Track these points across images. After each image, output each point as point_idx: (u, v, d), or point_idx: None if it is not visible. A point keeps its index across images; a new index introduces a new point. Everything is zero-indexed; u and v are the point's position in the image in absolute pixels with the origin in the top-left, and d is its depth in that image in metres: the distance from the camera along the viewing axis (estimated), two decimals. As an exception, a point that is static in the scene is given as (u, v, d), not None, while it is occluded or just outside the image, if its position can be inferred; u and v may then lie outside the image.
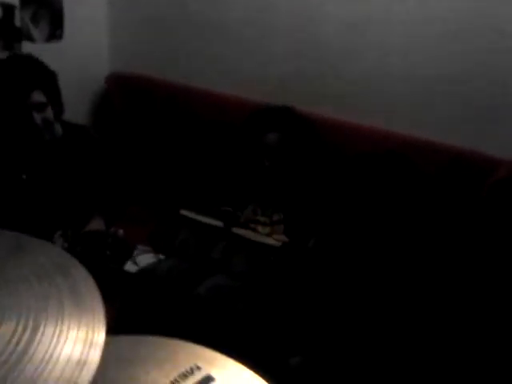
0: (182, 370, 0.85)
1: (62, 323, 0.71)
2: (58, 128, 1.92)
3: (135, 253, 1.98)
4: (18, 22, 2.16)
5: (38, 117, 1.81)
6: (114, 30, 2.59)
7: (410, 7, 1.96)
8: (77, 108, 2.46)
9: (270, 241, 1.88)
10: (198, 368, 0.86)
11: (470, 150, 1.85)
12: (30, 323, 0.70)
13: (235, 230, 1.91)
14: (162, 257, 2.00)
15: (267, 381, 0.88)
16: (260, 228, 2.01)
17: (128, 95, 2.49)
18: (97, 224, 1.94)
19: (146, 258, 1.99)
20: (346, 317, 1.62)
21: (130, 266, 1.93)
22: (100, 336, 0.73)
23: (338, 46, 2.12)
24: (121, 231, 1.94)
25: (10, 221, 1.76)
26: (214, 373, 0.86)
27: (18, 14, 2.15)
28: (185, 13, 2.40)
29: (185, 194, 2.21)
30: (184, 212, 1.98)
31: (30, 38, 2.21)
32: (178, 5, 2.40)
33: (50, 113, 1.85)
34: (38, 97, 1.80)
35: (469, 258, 1.72)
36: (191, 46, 2.42)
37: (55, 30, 2.31)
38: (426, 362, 1.56)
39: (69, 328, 0.71)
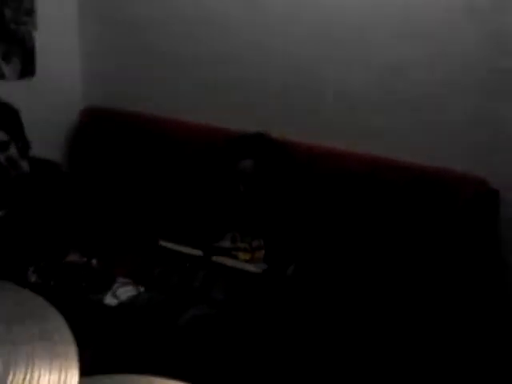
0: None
1: (32, 368, 0.70)
2: (25, 164, 1.92)
3: (115, 285, 1.96)
4: (-11, 62, 2.17)
5: (1, 156, 1.82)
6: (87, 65, 2.61)
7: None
8: (51, 143, 2.47)
9: (251, 267, 1.88)
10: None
11: (434, 166, 1.88)
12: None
13: (215, 258, 1.90)
14: (142, 289, 1.99)
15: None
16: (241, 255, 2.01)
17: (102, 128, 2.50)
18: (73, 258, 1.93)
19: (126, 291, 1.96)
20: (327, 346, 1.62)
21: (109, 300, 1.91)
22: (73, 379, 0.72)
23: (308, 67, 2.14)
24: (94, 261, 1.93)
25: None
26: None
27: (-11, 53, 2.16)
28: (158, 47, 2.43)
29: (163, 224, 2.21)
30: (163, 243, 1.97)
31: (2, 76, 2.22)
32: (151, 39, 2.43)
33: (13, 150, 1.86)
34: (0, 136, 1.81)
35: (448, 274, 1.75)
36: (164, 79, 2.45)
37: (27, 67, 2.32)
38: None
39: (40, 373, 0.70)
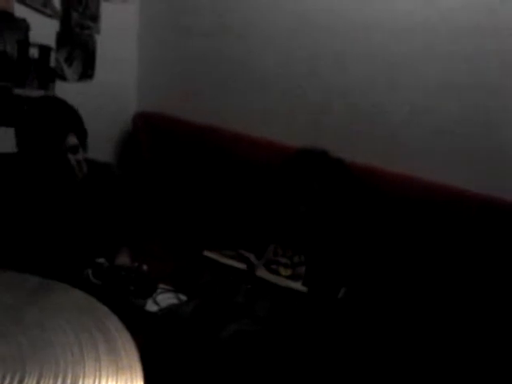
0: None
1: (99, 381, 0.70)
2: (85, 167, 1.96)
3: (157, 292, 1.97)
4: (53, 63, 2.23)
5: (72, 159, 1.86)
6: (143, 71, 2.65)
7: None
8: (105, 146, 2.51)
9: (296, 286, 1.86)
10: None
11: (497, 197, 1.85)
12: (69, 379, 0.69)
13: (259, 273, 1.89)
14: (182, 297, 1.99)
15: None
16: (282, 270, 1.99)
17: (154, 134, 2.52)
18: (123, 259, 1.95)
19: (166, 298, 1.97)
20: (374, 371, 1.59)
21: (150, 306, 1.92)
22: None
23: (369, 94, 2.14)
24: (145, 266, 1.94)
25: (40, 256, 1.80)
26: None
27: (53, 55, 2.22)
28: (213, 56, 2.45)
29: (208, 234, 2.21)
30: (207, 253, 1.97)
31: (63, 78, 2.28)
32: (207, 48, 2.45)
33: (81, 154, 1.90)
34: (72, 140, 1.86)
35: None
36: (218, 88, 2.47)
37: (87, 70, 2.37)
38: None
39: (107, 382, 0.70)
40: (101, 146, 2.36)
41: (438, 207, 1.89)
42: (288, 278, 1.94)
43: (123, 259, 1.94)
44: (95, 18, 2.33)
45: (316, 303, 1.76)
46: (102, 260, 1.86)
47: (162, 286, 2.02)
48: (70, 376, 0.71)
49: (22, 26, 2.06)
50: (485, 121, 1.95)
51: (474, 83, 1.94)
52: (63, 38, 2.23)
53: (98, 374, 0.72)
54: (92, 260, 1.86)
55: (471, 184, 1.90)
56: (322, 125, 2.23)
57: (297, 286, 1.84)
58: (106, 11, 2.37)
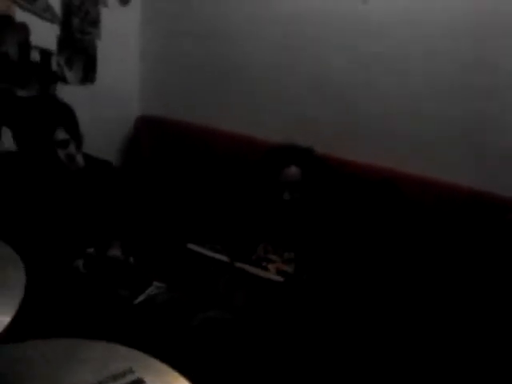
0: (114, 372, 0.81)
1: None
2: (80, 158, 2.00)
3: (150, 289, 1.97)
4: (54, 66, 2.32)
5: (62, 153, 1.91)
6: (145, 75, 2.72)
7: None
8: (107, 148, 2.57)
9: (272, 276, 1.84)
10: (131, 371, 0.82)
11: (482, 190, 1.82)
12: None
13: (238, 264, 1.88)
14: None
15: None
16: (271, 267, 1.97)
17: (155, 136, 2.58)
18: (115, 252, 1.98)
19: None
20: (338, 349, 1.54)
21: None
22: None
23: (352, 89, 2.14)
24: (131, 259, 1.97)
25: (36, 247, 1.84)
26: (146, 378, 0.82)
27: (54, 59, 2.31)
28: (210, 58, 2.51)
29: (197, 230, 2.22)
30: (191, 246, 1.98)
31: (64, 80, 2.37)
32: (204, 51, 2.51)
33: (72, 148, 1.94)
34: (61, 135, 1.90)
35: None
36: (216, 90, 2.52)
37: (88, 74, 2.46)
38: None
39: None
40: (104, 147, 2.41)
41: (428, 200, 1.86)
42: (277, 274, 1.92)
43: (115, 252, 1.97)
44: (95, 23, 2.42)
45: (288, 290, 1.74)
46: (91, 250, 1.91)
47: (156, 283, 2.02)
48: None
49: (23, 30, 2.16)
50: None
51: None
52: (64, 42, 2.33)
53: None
54: (83, 250, 1.90)
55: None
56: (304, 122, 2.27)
57: (272, 276, 1.82)
58: (107, 17, 2.45)
